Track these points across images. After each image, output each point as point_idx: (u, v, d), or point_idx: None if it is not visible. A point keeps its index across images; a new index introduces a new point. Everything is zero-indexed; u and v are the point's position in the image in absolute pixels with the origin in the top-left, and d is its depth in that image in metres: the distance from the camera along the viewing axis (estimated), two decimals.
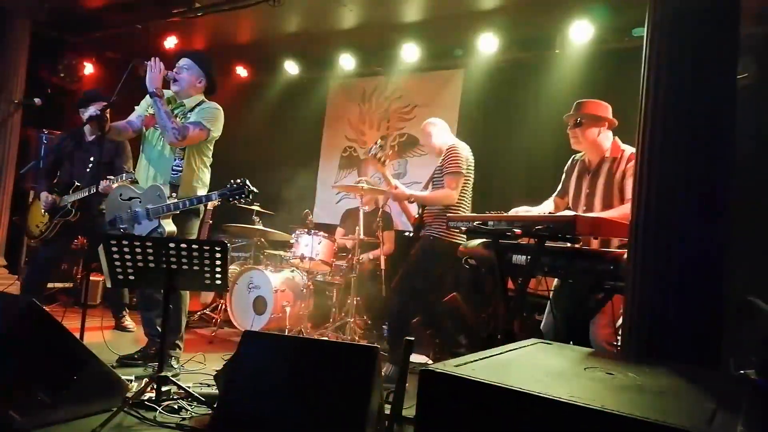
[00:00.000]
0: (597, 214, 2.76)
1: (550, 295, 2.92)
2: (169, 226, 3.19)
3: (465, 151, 3.80)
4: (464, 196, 3.79)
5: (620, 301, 2.30)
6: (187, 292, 3.48)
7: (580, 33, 4.72)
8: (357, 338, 4.54)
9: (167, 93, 3.35)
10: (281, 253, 5.25)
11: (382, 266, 4.74)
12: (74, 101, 4.76)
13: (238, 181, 3.06)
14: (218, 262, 2.66)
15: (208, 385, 2.95)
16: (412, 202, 3.91)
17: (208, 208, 5.11)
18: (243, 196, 3.05)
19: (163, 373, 2.68)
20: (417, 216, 3.90)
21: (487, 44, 5.16)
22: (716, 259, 1.88)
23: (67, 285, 5.51)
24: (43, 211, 4.15)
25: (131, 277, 2.73)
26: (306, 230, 4.76)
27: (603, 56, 4.75)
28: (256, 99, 6.78)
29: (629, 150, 2.87)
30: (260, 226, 5.19)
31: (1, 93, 5.12)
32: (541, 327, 2.96)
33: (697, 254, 1.88)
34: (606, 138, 2.98)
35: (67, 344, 2.42)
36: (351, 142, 6.49)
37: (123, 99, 3.32)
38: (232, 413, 2.13)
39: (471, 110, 5.54)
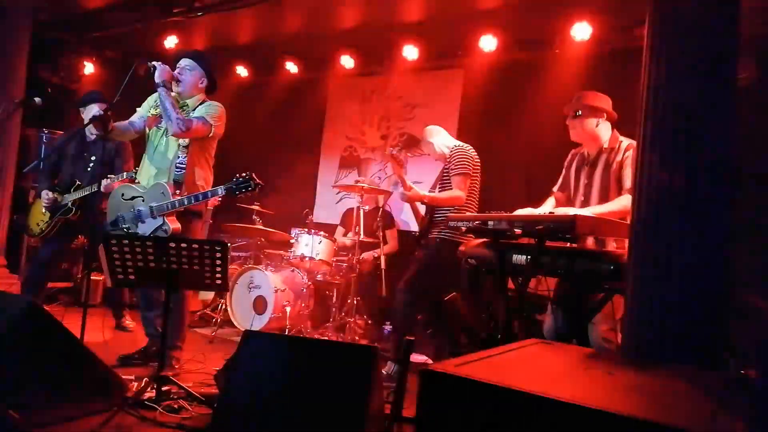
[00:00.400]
0: (594, 208, 2.75)
1: (552, 295, 2.91)
2: (174, 224, 3.19)
3: (470, 152, 3.85)
4: (472, 197, 3.83)
5: (620, 301, 2.30)
6: (188, 291, 3.48)
7: (580, 33, 4.72)
8: (357, 338, 4.54)
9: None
10: (281, 252, 5.25)
11: (383, 266, 4.74)
12: (75, 101, 4.76)
13: (244, 174, 3.06)
14: (219, 262, 2.66)
15: (208, 385, 2.96)
16: (425, 204, 3.94)
17: (209, 207, 5.11)
18: (249, 189, 3.05)
19: (163, 373, 2.68)
20: (424, 217, 3.93)
21: (487, 44, 5.16)
22: (716, 259, 1.88)
23: (67, 284, 5.51)
24: (43, 209, 4.16)
25: (131, 277, 2.73)
26: (306, 230, 4.77)
27: (603, 56, 4.74)
28: (256, 99, 6.78)
29: (627, 141, 2.88)
30: (260, 226, 5.19)
31: (1, 93, 5.12)
32: (545, 332, 2.95)
33: (697, 254, 1.88)
34: (604, 129, 2.98)
35: (68, 344, 2.42)
36: (351, 142, 6.49)
37: (124, 100, 3.32)
38: (232, 413, 2.13)
39: (471, 110, 5.54)
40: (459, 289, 4.20)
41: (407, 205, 4.69)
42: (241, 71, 6.75)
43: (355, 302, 4.54)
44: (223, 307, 4.89)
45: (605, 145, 2.95)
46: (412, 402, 1.33)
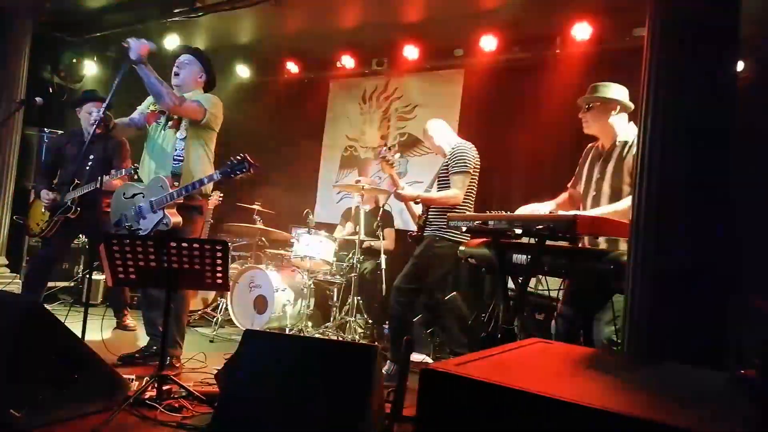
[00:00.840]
0: (602, 209, 2.68)
1: (559, 294, 2.89)
2: (175, 217, 3.20)
3: (472, 151, 3.78)
4: (469, 196, 3.78)
5: (621, 301, 2.30)
6: (188, 291, 3.49)
7: (580, 33, 4.72)
8: (357, 337, 4.54)
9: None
10: (282, 252, 5.26)
11: (383, 265, 4.74)
12: (74, 101, 4.76)
13: (238, 156, 3.07)
14: (219, 262, 2.66)
15: (209, 384, 2.96)
16: (419, 203, 3.91)
17: (209, 207, 5.11)
18: (244, 170, 3.06)
19: (164, 372, 2.68)
20: (421, 215, 3.91)
21: (487, 44, 5.16)
22: (716, 259, 1.88)
23: (68, 284, 5.51)
24: (43, 208, 4.16)
25: (132, 277, 2.73)
26: (307, 229, 4.77)
27: (603, 56, 4.74)
28: (256, 99, 6.78)
29: None
30: (261, 226, 5.19)
31: (2, 92, 5.12)
32: (553, 334, 2.93)
33: (698, 254, 1.88)
34: (619, 122, 2.83)
35: (69, 343, 2.43)
36: (352, 142, 6.50)
37: (120, 98, 3.31)
38: (232, 412, 2.13)
39: (471, 110, 5.54)
40: (459, 289, 4.21)
41: None
42: (242, 71, 6.75)
43: (355, 301, 4.54)
44: (224, 306, 4.90)
45: (619, 139, 2.79)
46: (412, 402, 1.34)
